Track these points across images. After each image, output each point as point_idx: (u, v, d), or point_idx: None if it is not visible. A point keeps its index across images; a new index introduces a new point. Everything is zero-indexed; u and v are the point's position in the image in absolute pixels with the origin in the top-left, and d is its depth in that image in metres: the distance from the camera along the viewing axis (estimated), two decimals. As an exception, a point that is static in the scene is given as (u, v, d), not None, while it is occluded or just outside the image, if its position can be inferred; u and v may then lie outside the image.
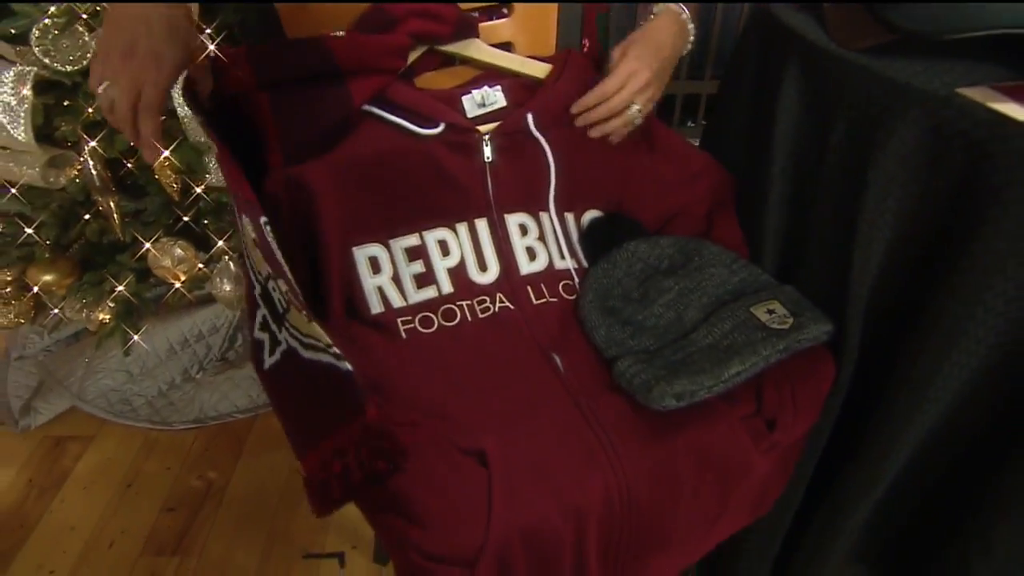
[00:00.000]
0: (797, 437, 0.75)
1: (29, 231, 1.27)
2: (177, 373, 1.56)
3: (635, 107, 0.82)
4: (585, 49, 1.10)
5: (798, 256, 0.79)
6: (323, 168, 0.75)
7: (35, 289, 1.31)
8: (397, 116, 0.79)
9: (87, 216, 1.28)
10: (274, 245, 0.67)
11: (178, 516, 1.34)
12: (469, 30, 0.87)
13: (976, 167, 0.59)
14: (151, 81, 0.66)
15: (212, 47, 0.75)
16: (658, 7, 0.86)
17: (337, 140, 0.76)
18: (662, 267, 0.84)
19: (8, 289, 1.34)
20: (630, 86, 0.81)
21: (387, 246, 0.79)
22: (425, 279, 0.79)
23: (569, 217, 0.87)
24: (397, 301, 0.78)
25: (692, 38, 0.87)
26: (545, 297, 0.81)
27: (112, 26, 0.66)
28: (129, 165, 1.29)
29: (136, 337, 1.38)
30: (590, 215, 0.88)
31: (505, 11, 0.92)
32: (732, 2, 2.07)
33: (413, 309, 0.78)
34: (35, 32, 1.13)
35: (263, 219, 0.68)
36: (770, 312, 0.75)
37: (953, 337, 0.65)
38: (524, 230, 0.84)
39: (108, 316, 1.31)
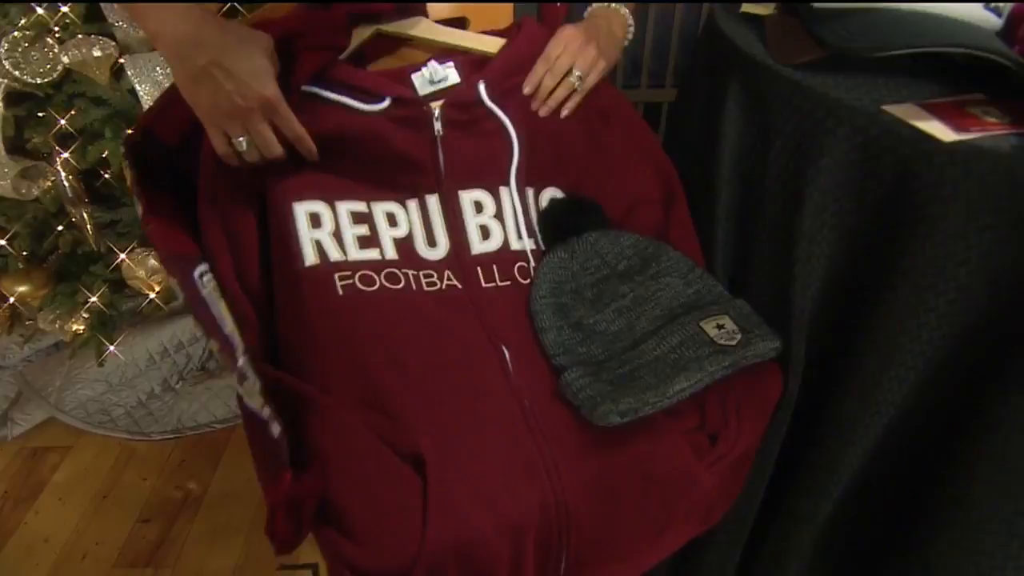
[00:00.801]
0: (741, 451, 0.76)
1: (2, 242, 1.30)
2: (156, 383, 1.58)
3: (576, 72, 0.83)
4: (556, 11, 1.08)
5: (746, 268, 0.80)
6: None
7: (11, 300, 1.35)
8: (339, 94, 0.78)
9: (60, 227, 1.31)
10: (211, 300, 0.69)
11: (153, 527, 1.37)
12: (415, 8, 0.86)
13: (903, 183, 0.60)
14: (279, 114, 0.71)
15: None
16: (587, 10, 0.90)
17: None
18: (619, 268, 0.84)
19: (-16, 300, 1.37)
20: (569, 48, 0.83)
21: (331, 205, 0.78)
22: (368, 242, 0.78)
23: (529, 192, 0.86)
24: (335, 254, 0.76)
25: (630, 24, 0.89)
26: (495, 281, 0.80)
27: (203, 92, 0.68)
28: (106, 176, 1.32)
29: (112, 348, 1.40)
30: (550, 193, 0.87)
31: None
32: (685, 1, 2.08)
33: (353, 266, 0.75)
34: (4, 45, 1.16)
35: (198, 271, 0.70)
36: (719, 327, 0.77)
37: (891, 352, 0.67)
38: (479, 207, 0.83)
39: (82, 327, 1.34)
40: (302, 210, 0.77)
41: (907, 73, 0.66)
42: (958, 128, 0.57)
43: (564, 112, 0.86)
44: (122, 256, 1.32)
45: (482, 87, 0.81)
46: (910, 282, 0.62)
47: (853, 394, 0.71)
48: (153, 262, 1.33)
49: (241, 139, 0.72)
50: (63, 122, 1.23)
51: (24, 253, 1.33)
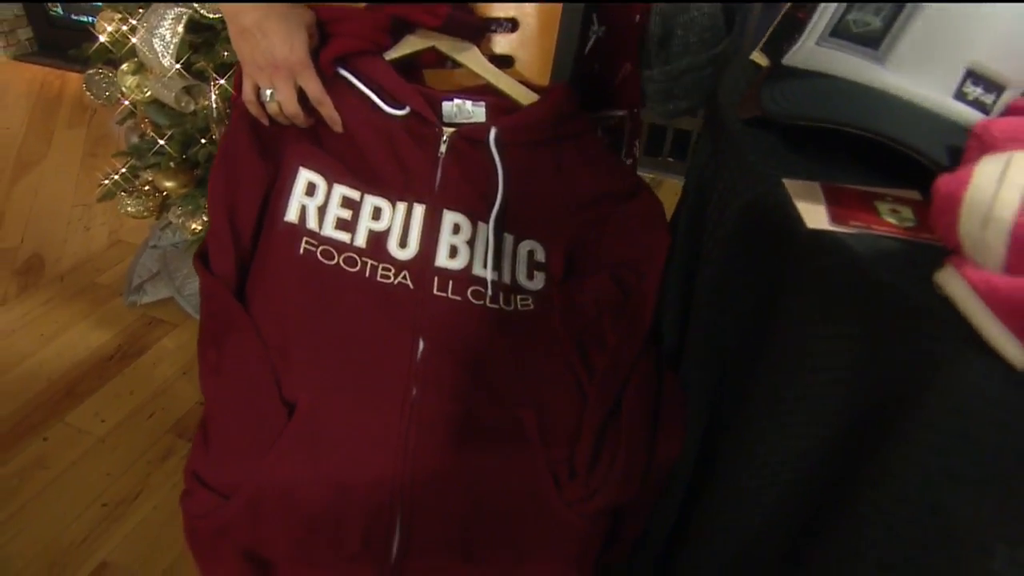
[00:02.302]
0: (604, 504, 0.73)
1: (162, 143, 1.57)
2: (260, 295, 1.81)
3: None
4: (627, 72, 1.09)
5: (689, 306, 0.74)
6: None
7: (164, 192, 1.63)
8: (368, 88, 0.87)
9: (204, 141, 1.56)
10: None
11: (208, 411, 1.58)
12: (469, 32, 0.92)
13: (776, 264, 0.55)
14: (303, 77, 0.83)
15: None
16: None
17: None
18: None
19: (146, 187, 1.67)
20: None
21: (330, 184, 0.87)
22: (346, 225, 0.87)
23: (508, 238, 0.90)
24: (312, 223, 0.84)
25: None
26: (447, 292, 0.86)
27: (245, 46, 0.82)
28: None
29: (222, 252, 1.64)
30: (529, 246, 0.91)
31: (510, 25, 0.96)
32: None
33: (322, 239, 0.84)
34: (194, -17, 1.40)
35: None
36: None
37: (751, 447, 0.60)
38: (456, 228, 0.89)
39: (199, 227, 1.58)
40: (304, 175, 0.87)
41: (864, 156, 0.58)
42: (836, 219, 0.51)
43: None
44: (246, 177, 1.53)
45: (492, 134, 0.88)
46: (772, 378, 0.56)
47: (725, 487, 0.65)
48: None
49: (268, 92, 0.84)
50: (226, 54, 1.46)
51: (183, 156, 1.60)
